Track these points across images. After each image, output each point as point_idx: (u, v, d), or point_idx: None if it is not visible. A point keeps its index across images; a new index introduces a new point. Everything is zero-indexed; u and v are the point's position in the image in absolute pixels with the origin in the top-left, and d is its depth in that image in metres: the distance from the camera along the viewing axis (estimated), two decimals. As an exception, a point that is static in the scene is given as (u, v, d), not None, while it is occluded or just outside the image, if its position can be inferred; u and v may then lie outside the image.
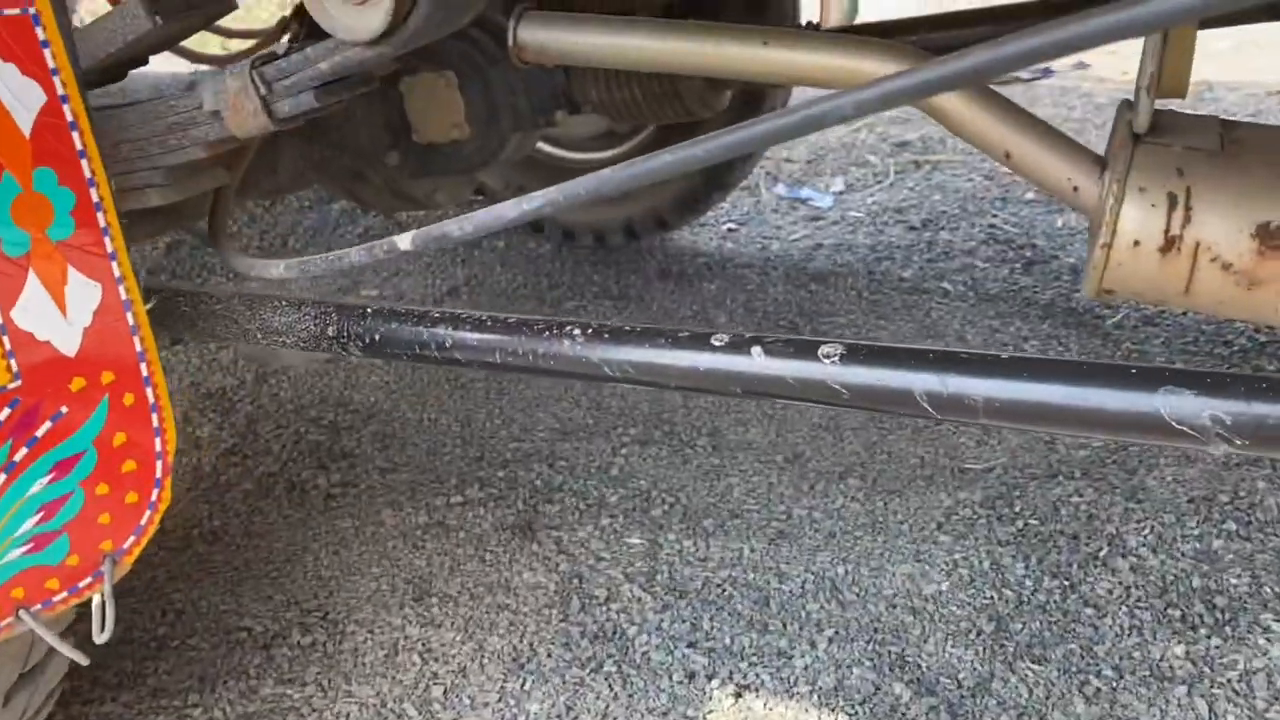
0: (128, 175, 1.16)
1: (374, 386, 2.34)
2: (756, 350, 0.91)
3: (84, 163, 0.99)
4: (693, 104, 1.88)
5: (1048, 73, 4.57)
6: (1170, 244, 1.08)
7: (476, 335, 1.08)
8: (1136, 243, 1.09)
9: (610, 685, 1.49)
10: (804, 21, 2.64)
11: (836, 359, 0.89)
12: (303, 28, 1.67)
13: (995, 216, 3.06)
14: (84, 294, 1.02)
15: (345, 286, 2.86)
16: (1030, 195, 3.21)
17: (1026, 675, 1.47)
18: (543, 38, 1.39)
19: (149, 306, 1.11)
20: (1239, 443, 0.77)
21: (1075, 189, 1.18)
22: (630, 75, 1.89)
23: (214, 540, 1.83)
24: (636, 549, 1.76)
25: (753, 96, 2.50)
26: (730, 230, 3.15)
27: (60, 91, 0.96)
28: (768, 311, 2.58)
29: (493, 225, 0.97)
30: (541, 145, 2.95)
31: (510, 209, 0.93)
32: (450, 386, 2.33)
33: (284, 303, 1.25)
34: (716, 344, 0.94)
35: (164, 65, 1.59)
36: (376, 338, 1.16)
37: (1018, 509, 1.81)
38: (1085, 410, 0.79)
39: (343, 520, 1.87)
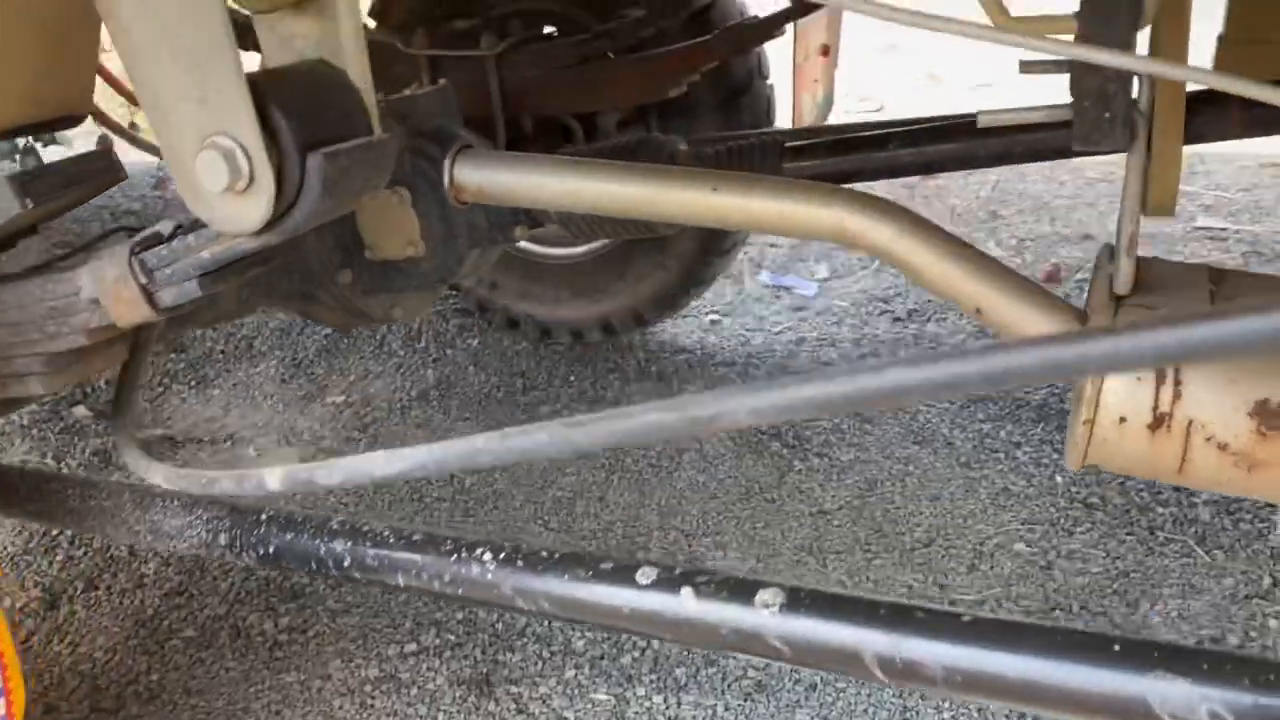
0: (6, 360, 1.06)
1: (333, 509, 2.22)
2: (686, 591, 0.80)
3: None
4: (656, 223, 1.79)
5: (1036, 145, 4.49)
6: (1159, 422, 0.97)
7: (377, 552, 0.97)
8: (1122, 419, 0.98)
9: None
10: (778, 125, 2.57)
11: (776, 608, 0.78)
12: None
13: (985, 304, 2.96)
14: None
15: (310, 393, 2.76)
16: (1021, 280, 3.12)
17: None
18: (479, 179, 1.30)
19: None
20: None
21: (1055, 348, 1.08)
22: (590, 193, 1.80)
23: (151, 699, 1.70)
24: (603, 706, 1.63)
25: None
26: (713, 322, 3.06)
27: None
28: (748, 416, 2.47)
29: (360, 478, 0.86)
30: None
31: (381, 464, 0.82)
32: (415, 507, 2.22)
33: (176, 504, 1.14)
34: (643, 581, 0.83)
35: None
36: (271, 549, 1.05)
37: (1012, 650, 1.68)
38: (1061, 690, 0.68)
39: (288, 674, 1.74)
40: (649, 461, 2.33)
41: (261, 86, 0.86)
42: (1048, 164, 4.27)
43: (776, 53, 2.56)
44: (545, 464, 2.36)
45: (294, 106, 0.86)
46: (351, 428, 2.56)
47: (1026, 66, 1.08)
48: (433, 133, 1.92)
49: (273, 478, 0.93)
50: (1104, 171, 4.01)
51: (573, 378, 2.73)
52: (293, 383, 2.81)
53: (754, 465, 2.29)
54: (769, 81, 2.53)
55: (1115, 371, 0.40)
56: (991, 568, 1.91)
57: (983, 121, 1.01)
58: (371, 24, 2.71)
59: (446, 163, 1.32)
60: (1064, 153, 1.57)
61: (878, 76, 6.04)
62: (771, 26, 2.13)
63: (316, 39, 0.92)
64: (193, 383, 2.83)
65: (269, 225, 0.91)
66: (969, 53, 6.70)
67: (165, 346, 2.89)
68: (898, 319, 2.94)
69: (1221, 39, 1.76)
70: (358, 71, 0.95)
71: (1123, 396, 0.97)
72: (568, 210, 1.32)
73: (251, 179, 0.87)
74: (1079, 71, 0.89)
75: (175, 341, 2.90)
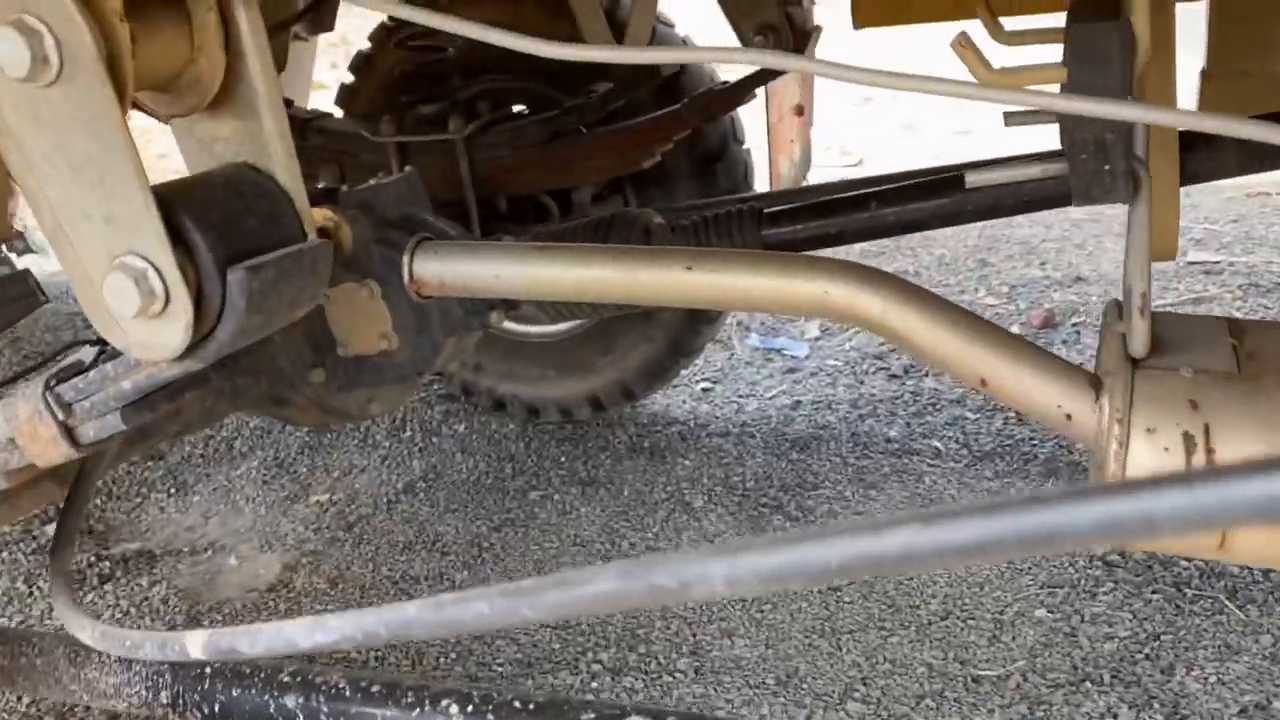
0: (-71, 508, 0.98)
1: (318, 596, 2.11)
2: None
3: None
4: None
5: (1019, 188, 4.47)
6: (1194, 495, 0.88)
7: (333, 707, 0.88)
8: (1152, 496, 0.89)
9: None
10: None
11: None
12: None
13: (982, 355, 2.89)
14: None
15: (294, 493, 2.66)
16: (1016, 329, 3.05)
17: None
18: (439, 271, 1.23)
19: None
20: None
21: (1068, 417, 1.00)
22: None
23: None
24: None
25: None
26: (704, 390, 2.98)
27: None
28: (748, 489, 2.38)
29: (283, 649, 0.77)
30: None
31: (304, 635, 0.73)
32: (398, 597, 2.11)
33: (113, 661, 1.05)
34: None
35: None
36: (217, 707, 0.95)
37: (1044, 730, 1.57)
38: None
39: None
40: (647, 543, 2.23)
41: (171, 198, 0.79)
42: (1032, 207, 4.23)
43: (752, 116, 2.52)
44: (538, 550, 2.26)
45: (211, 217, 0.79)
46: (336, 528, 2.46)
47: (1012, 119, 1.01)
48: (400, 221, 1.86)
49: (194, 645, 0.83)
50: (1090, 212, 3.97)
51: (563, 458, 2.64)
52: (275, 483, 2.71)
53: (756, 541, 2.19)
54: (745, 146, 2.48)
55: (1191, 530, 0.33)
56: (1014, 638, 1.81)
57: (971, 182, 0.94)
58: (339, 113, 2.67)
59: (404, 258, 1.25)
60: (1055, 201, 1.51)
61: (855, 129, 6.04)
62: (741, 92, 2.09)
63: (239, 141, 0.85)
64: (171, 490, 2.73)
65: (190, 350, 0.83)
66: (946, 101, 6.73)
67: (141, 457, 2.80)
68: (894, 376, 2.86)
69: (1204, 73, 1.71)
70: (286, 173, 0.88)
71: (1150, 468, 0.89)
72: (532, 298, 1.25)
73: (167, 301, 0.79)
74: (1070, 123, 0.82)
75: (148, 452, 2.81)
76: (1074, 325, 3.02)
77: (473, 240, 1.24)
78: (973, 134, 5.89)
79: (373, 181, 2.03)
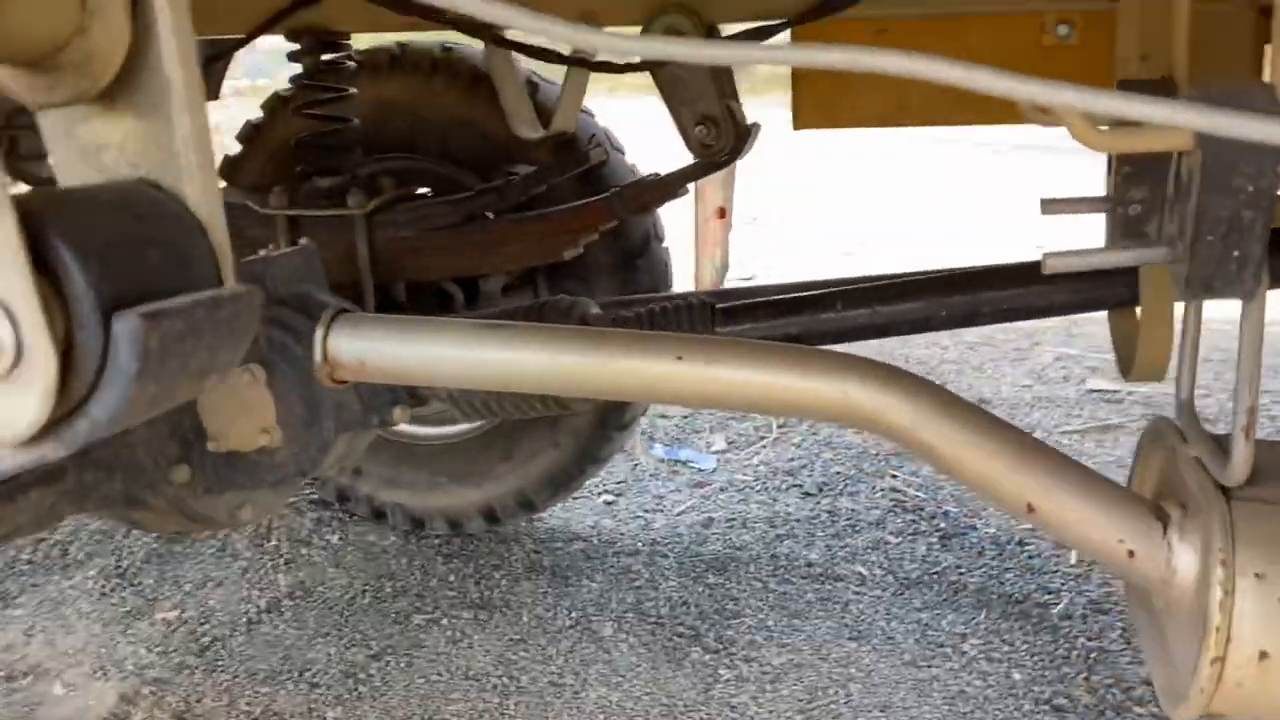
0: None
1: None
2: None
3: None
4: (570, 399, 1.52)
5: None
6: (1316, 655, 0.73)
7: None
8: (1264, 654, 0.73)
9: None
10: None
11: None
12: None
13: (895, 478, 2.78)
14: None
15: (137, 608, 2.30)
16: (927, 448, 2.96)
17: None
18: (361, 351, 1.01)
19: None
20: None
21: (1130, 554, 0.84)
22: (487, 367, 1.52)
23: None
24: None
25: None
26: (607, 503, 2.76)
27: None
28: (662, 616, 2.16)
29: None
30: (383, 421, 2.53)
31: None
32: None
33: None
34: None
35: None
36: None
37: None
38: None
39: None
40: (550, 679, 1.98)
41: (39, 210, 0.55)
42: (929, 328, 4.23)
43: (670, 215, 2.39)
44: (424, 683, 1.98)
45: (93, 243, 0.55)
46: (185, 651, 2.12)
47: (1049, 206, 0.88)
48: (295, 299, 1.62)
49: None
50: (983, 334, 3.99)
51: (452, 577, 2.37)
52: (114, 595, 2.35)
53: (674, 677, 1.96)
54: (664, 244, 2.35)
55: None
56: (969, 793, 1.63)
57: (1050, 267, 0.79)
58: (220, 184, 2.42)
59: (318, 333, 1.03)
60: (1040, 312, 1.40)
61: (744, 246, 6.05)
62: (674, 185, 1.95)
63: (138, 148, 0.62)
64: (-13, 607, 2.33)
65: (48, 430, 0.59)
66: (829, 221, 6.85)
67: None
68: (808, 494, 2.71)
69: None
70: (201, 195, 0.64)
71: (1264, 623, 0.73)
72: (479, 388, 1.04)
73: (18, 356, 0.54)
74: (1205, 198, 0.69)
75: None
76: (984, 448, 2.94)
77: (403, 316, 1.03)
78: (854, 255, 5.99)
79: (262, 253, 1.79)
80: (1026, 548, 2.36)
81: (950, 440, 0.85)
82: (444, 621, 2.19)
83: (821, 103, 1.92)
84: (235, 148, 2.39)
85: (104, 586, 2.37)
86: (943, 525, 2.48)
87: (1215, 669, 0.74)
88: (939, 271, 1.47)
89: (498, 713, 1.89)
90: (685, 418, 3.34)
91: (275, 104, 2.38)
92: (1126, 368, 1.37)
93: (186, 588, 2.37)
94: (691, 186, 2.07)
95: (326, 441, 1.60)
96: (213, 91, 2.73)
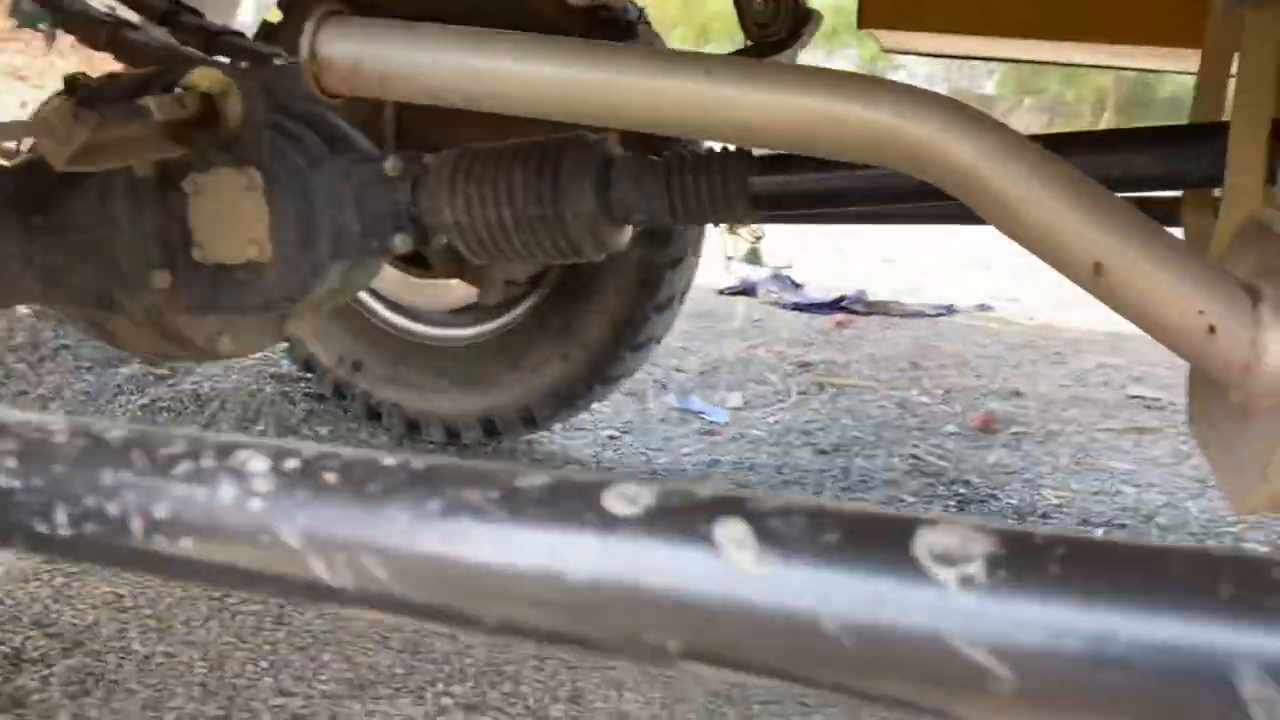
0: None
1: (97, 601, 1.65)
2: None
3: None
4: (579, 235, 1.40)
5: (951, 310, 4.35)
6: None
7: None
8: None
9: None
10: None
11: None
12: None
13: (916, 446, 2.63)
14: None
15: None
16: (952, 428, 2.82)
17: None
18: (358, 51, 0.89)
19: None
20: None
21: (1211, 329, 0.71)
22: (499, 191, 1.41)
23: None
24: None
25: (659, 238, 2.07)
26: (611, 438, 2.64)
27: None
28: (653, 536, 2.03)
29: None
30: (390, 316, 2.43)
31: None
32: (210, 609, 1.67)
33: None
34: None
35: None
36: None
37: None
38: None
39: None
40: None
41: None
42: (966, 325, 4.09)
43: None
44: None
45: None
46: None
47: None
48: (304, 115, 1.52)
49: None
50: (1025, 338, 3.84)
51: (441, 477, 2.25)
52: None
53: None
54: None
55: None
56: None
57: None
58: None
59: (308, 26, 0.91)
60: (1120, 184, 1.26)
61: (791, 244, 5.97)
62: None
63: None
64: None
65: None
66: (874, 230, 6.71)
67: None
68: (822, 451, 2.57)
69: None
70: None
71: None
72: (487, 105, 0.92)
73: None
74: None
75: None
76: (1013, 433, 2.80)
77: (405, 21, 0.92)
78: (896, 263, 5.84)
79: (281, 62, 1.69)
80: (1049, 521, 2.21)
81: (1016, 181, 0.72)
82: (424, 515, 2.07)
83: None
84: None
85: (79, 444, 2.27)
86: (962, 491, 2.33)
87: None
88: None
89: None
90: (702, 373, 3.22)
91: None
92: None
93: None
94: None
95: (319, 265, 1.49)
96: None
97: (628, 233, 1.48)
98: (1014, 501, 2.30)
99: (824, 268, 5.58)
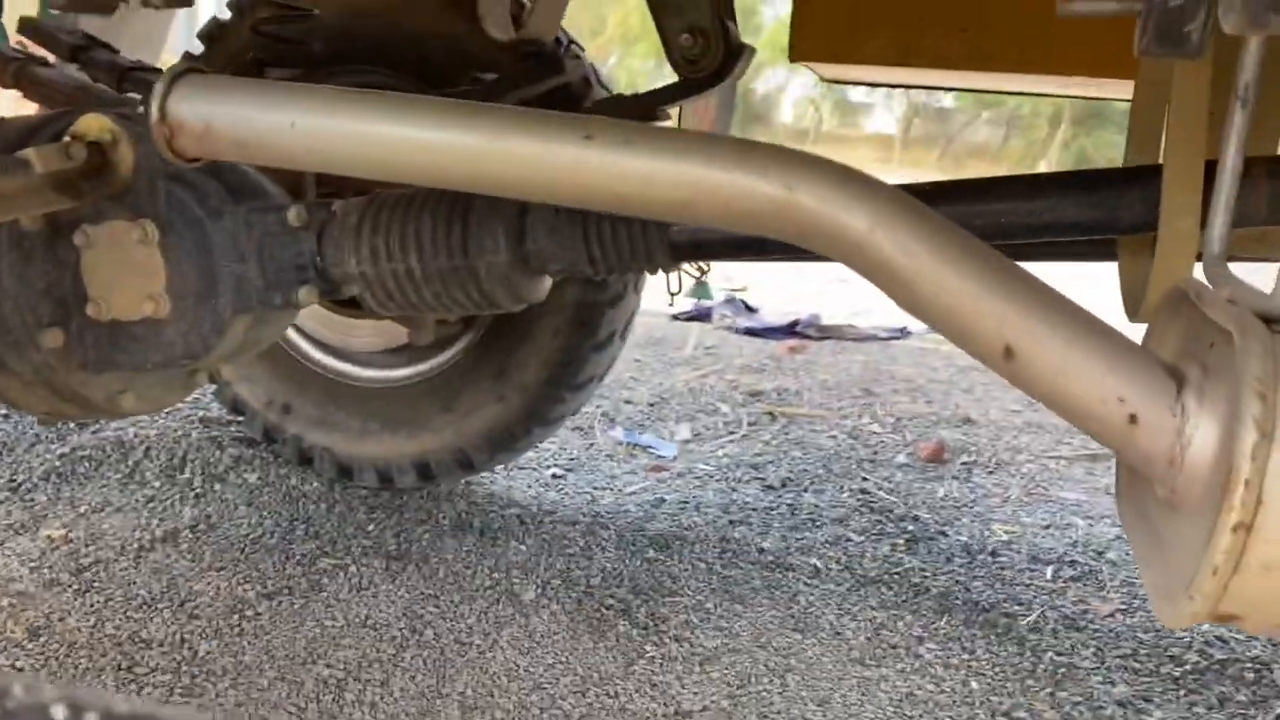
0: None
1: (7, 647, 1.56)
2: None
3: None
4: (492, 288, 1.34)
5: (904, 333, 4.32)
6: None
7: None
8: (1307, 532, 0.54)
9: None
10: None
11: None
12: None
13: (866, 480, 2.58)
14: None
15: (22, 522, 2.09)
16: (902, 459, 2.77)
17: None
18: (208, 112, 0.82)
19: None
20: None
21: (1132, 419, 0.65)
22: (408, 242, 1.34)
23: None
24: None
25: (590, 295, 2.01)
26: (555, 477, 2.56)
27: None
28: (592, 585, 1.95)
29: None
30: (320, 356, 2.34)
31: None
32: (117, 662, 1.57)
33: None
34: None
35: None
36: None
37: None
38: None
39: None
40: (455, 635, 1.77)
41: None
42: (918, 348, 4.06)
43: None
44: (315, 626, 1.77)
45: None
46: (62, 569, 1.91)
47: (1068, 7, 0.70)
48: (207, 165, 1.44)
49: None
50: (973, 360, 3.81)
51: (370, 526, 2.17)
52: (1, 509, 2.14)
53: (594, 649, 1.76)
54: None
55: None
56: (907, 800, 1.42)
57: (1066, 10, 0.61)
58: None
59: (157, 88, 0.84)
60: (1043, 229, 1.20)
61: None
62: (653, 105, 1.77)
63: None
64: None
65: None
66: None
67: None
68: (770, 486, 2.51)
69: None
70: None
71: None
72: (348, 170, 0.85)
73: None
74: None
75: None
76: (964, 463, 2.76)
77: (268, 80, 0.85)
78: (850, 283, 5.82)
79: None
80: (999, 558, 2.16)
81: (915, 259, 0.66)
82: (352, 569, 1.98)
83: (826, 33, 1.77)
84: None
85: (-9, 498, 2.17)
86: (910, 528, 2.28)
87: (1237, 540, 0.55)
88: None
89: (391, 663, 1.68)
90: (651, 405, 3.15)
91: (244, 3, 2.21)
92: (1133, 309, 1.19)
93: (82, 509, 2.16)
94: (674, 118, 1.90)
95: (221, 320, 1.41)
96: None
97: (546, 284, 1.42)
98: (963, 538, 2.25)
99: (779, 285, 5.55)
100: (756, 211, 0.68)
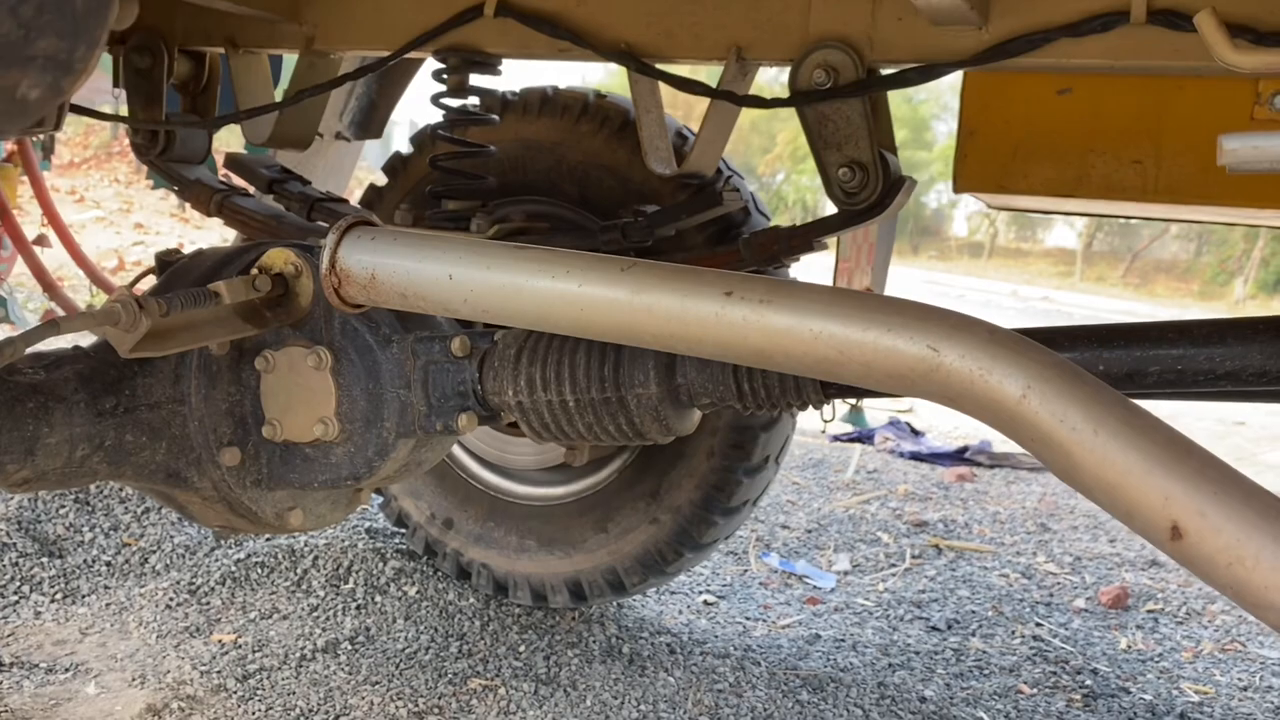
0: None
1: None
2: None
3: None
4: (642, 420, 1.33)
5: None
6: None
7: None
8: None
9: None
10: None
11: None
12: None
13: (1040, 625, 2.42)
14: None
15: (197, 625, 2.20)
16: (1081, 603, 2.59)
17: None
18: (373, 263, 0.86)
19: None
20: None
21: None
22: (563, 373, 1.36)
23: None
24: None
25: (744, 418, 1.99)
26: (707, 603, 2.52)
27: None
28: (739, 726, 1.89)
29: None
30: (482, 472, 2.40)
31: None
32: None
33: None
34: None
35: None
36: None
37: None
38: None
39: None
40: (600, 769, 1.73)
41: None
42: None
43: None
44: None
45: None
46: (229, 675, 1.98)
47: (1232, 154, 0.66)
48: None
49: None
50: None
51: (522, 647, 2.17)
52: (179, 610, 2.26)
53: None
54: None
55: None
56: None
57: (1230, 155, 0.57)
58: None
59: (330, 238, 0.89)
60: (1224, 378, 1.13)
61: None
62: (810, 235, 1.77)
63: None
64: (58, 595, 2.28)
65: None
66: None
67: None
68: (934, 628, 2.39)
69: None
70: None
71: None
72: (503, 320, 0.87)
73: None
74: None
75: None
76: (1149, 610, 2.55)
77: (429, 231, 0.89)
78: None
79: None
80: (1190, 723, 1.96)
81: (1074, 431, 0.62)
82: (501, 690, 1.98)
83: (990, 164, 1.74)
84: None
85: (172, 600, 2.29)
86: (1089, 683, 2.11)
87: None
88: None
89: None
90: (809, 531, 3.07)
91: (424, 138, 2.37)
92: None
93: (252, 615, 2.26)
94: (833, 246, 1.89)
95: (385, 444, 1.46)
96: (375, 131, 2.76)
97: (696, 417, 1.41)
98: (1147, 697, 2.06)
99: (944, 410, 5.37)
100: (900, 373, 0.66)
